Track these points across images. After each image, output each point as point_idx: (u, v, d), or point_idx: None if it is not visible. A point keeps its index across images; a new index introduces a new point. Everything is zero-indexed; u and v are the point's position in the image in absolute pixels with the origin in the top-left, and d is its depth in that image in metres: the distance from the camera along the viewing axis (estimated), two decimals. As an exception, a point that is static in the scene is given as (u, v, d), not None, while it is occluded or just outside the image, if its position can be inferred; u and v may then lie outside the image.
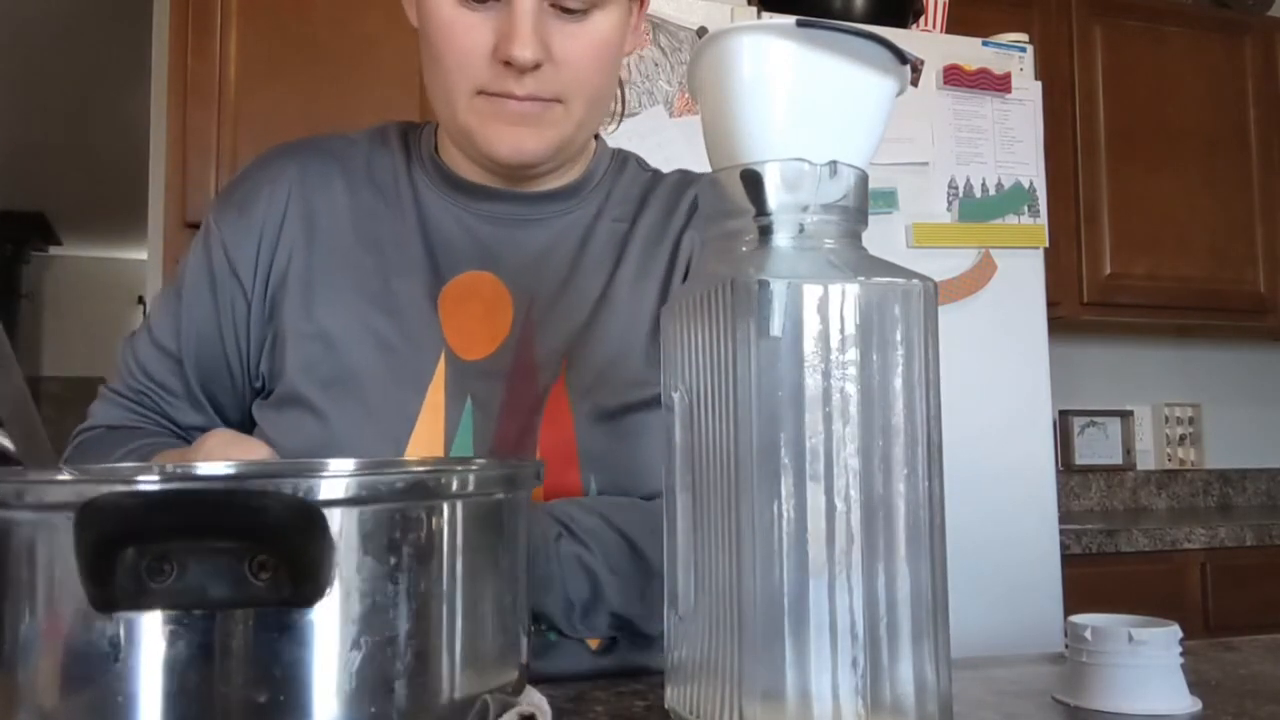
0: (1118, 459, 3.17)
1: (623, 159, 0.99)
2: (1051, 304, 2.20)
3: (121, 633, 0.38)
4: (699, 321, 0.57)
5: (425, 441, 0.83)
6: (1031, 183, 2.14)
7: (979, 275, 2.08)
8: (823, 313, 0.53)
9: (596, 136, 0.97)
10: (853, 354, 0.53)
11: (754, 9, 2.10)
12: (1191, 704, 0.70)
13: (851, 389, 0.53)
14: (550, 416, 0.85)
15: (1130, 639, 0.69)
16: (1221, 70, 2.99)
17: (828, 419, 0.53)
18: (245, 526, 0.36)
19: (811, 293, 0.53)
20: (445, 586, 0.43)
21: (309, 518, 0.37)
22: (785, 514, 0.52)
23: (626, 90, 1.95)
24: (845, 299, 0.53)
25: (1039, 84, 2.19)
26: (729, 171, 0.58)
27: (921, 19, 2.27)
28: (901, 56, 0.59)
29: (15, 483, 0.41)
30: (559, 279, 0.90)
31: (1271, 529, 2.55)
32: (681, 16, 2.01)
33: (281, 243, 0.89)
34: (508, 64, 0.79)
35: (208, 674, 0.38)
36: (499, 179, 0.90)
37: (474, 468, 0.48)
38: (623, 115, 1.12)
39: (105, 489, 0.36)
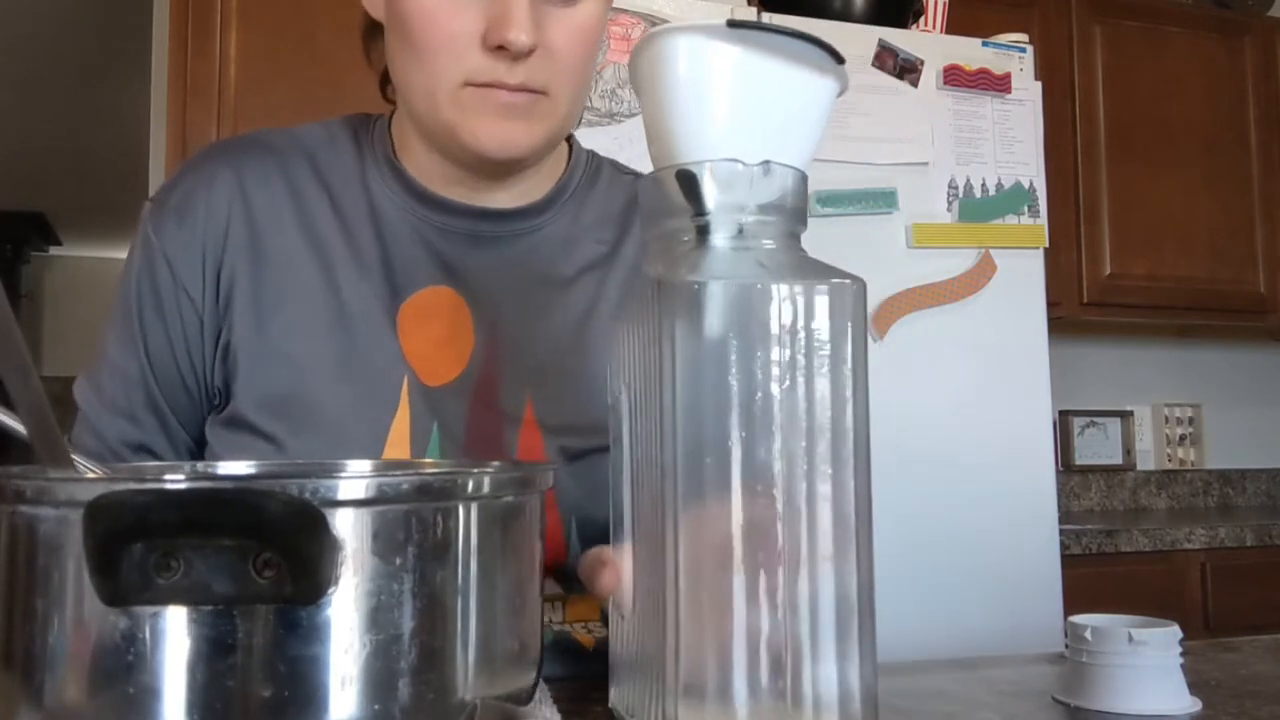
0: (1118, 459, 3.17)
1: (596, 167, 0.93)
2: (1051, 304, 2.20)
3: (131, 627, 0.39)
4: (636, 322, 0.57)
5: None
6: (1031, 183, 2.14)
7: (979, 275, 2.08)
8: (749, 313, 0.53)
9: (570, 141, 0.93)
10: (779, 354, 0.54)
11: (754, 9, 2.10)
12: (1191, 704, 0.70)
13: (777, 389, 0.53)
14: (524, 451, 0.82)
15: (1130, 639, 0.69)
16: (1221, 70, 2.99)
17: (753, 419, 0.53)
18: (248, 524, 0.36)
19: (740, 293, 0.54)
20: (453, 587, 0.44)
21: (309, 517, 0.37)
22: (709, 513, 0.52)
23: (625, 91, 1.95)
24: (773, 299, 0.54)
25: (1039, 84, 2.19)
26: (666, 171, 0.58)
27: (921, 19, 2.27)
28: (837, 56, 0.59)
29: (32, 480, 0.42)
30: (525, 303, 0.85)
31: (1271, 529, 2.55)
32: (681, 17, 2.01)
33: (227, 254, 0.82)
34: (499, 50, 0.74)
35: (215, 669, 0.39)
36: (463, 180, 0.84)
37: (487, 470, 0.49)
38: (581, 116, 1.09)
39: (116, 486, 0.37)
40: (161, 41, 2.32)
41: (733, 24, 0.57)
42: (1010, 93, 2.15)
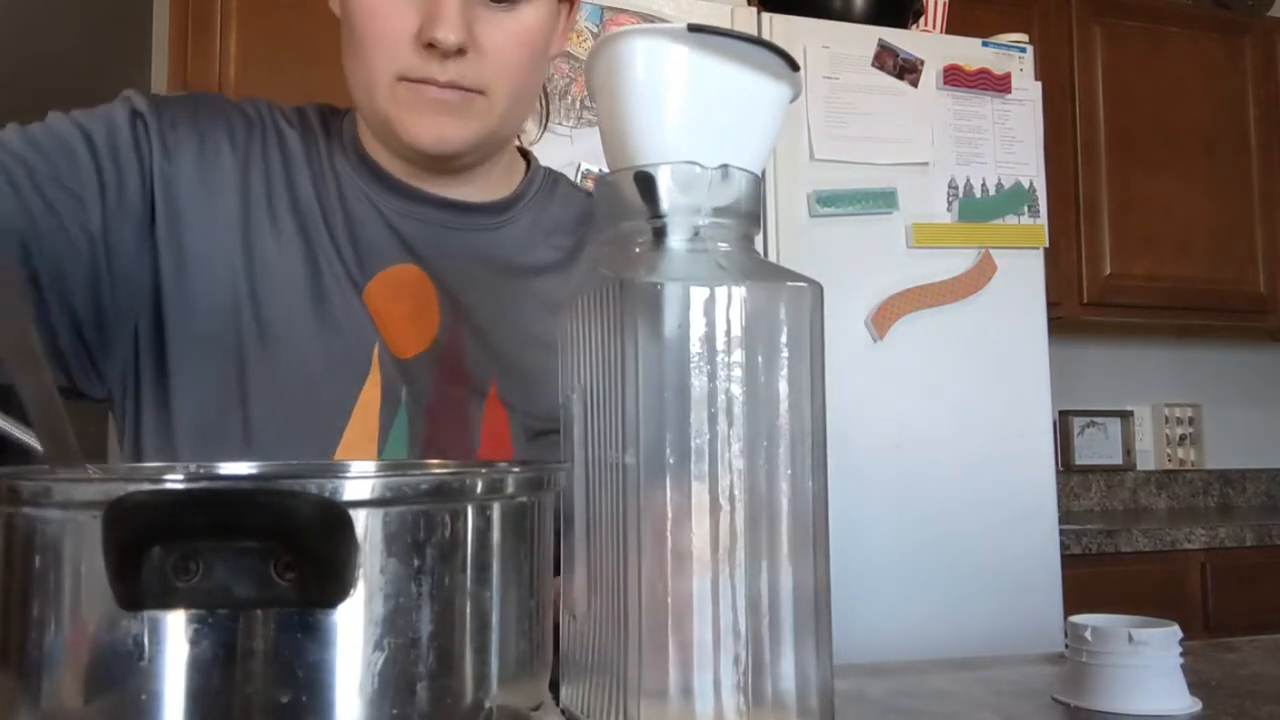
0: (1118, 459, 3.17)
1: (554, 179, 0.97)
2: (1051, 304, 2.21)
3: (146, 632, 0.38)
4: (591, 322, 0.58)
5: (359, 435, 0.81)
6: (1031, 183, 2.14)
7: (979, 275, 2.08)
8: (709, 314, 0.54)
9: (527, 155, 0.96)
10: (738, 355, 0.54)
11: (753, 9, 2.10)
12: (1191, 704, 0.70)
13: (737, 390, 0.54)
14: (489, 426, 0.84)
15: (1130, 639, 0.69)
16: (1221, 70, 2.99)
17: (713, 419, 0.53)
18: (271, 526, 0.36)
19: (698, 295, 0.54)
20: (472, 590, 0.44)
21: (335, 518, 0.37)
22: (669, 513, 0.53)
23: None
24: (731, 301, 0.54)
25: (1039, 84, 2.19)
26: (623, 173, 0.59)
27: (921, 19, 2.27)
28: (793, 63, 0.60)
29: (43, 481, 0.41)
30: (489, 289, 0.87)
31: (1271, 529, 2.55)
32: (681, 17, 2.01)
33: (252, 173, 0.83)
34: (430, 47, 0.77)
35: (231, 674, 0.38)
36: (420, 172, 0.86)
37: (500, 470, 0.49)
38: (546, 124, 1.11)
39: (133, 488, 0.36)
40: (161, 40, 2.32)
41: (694, 28, 0.57)
42: (1010, 93, 2.15)
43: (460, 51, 0.78)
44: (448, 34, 0.76)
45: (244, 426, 0.80)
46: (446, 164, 0.85)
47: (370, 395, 0.81)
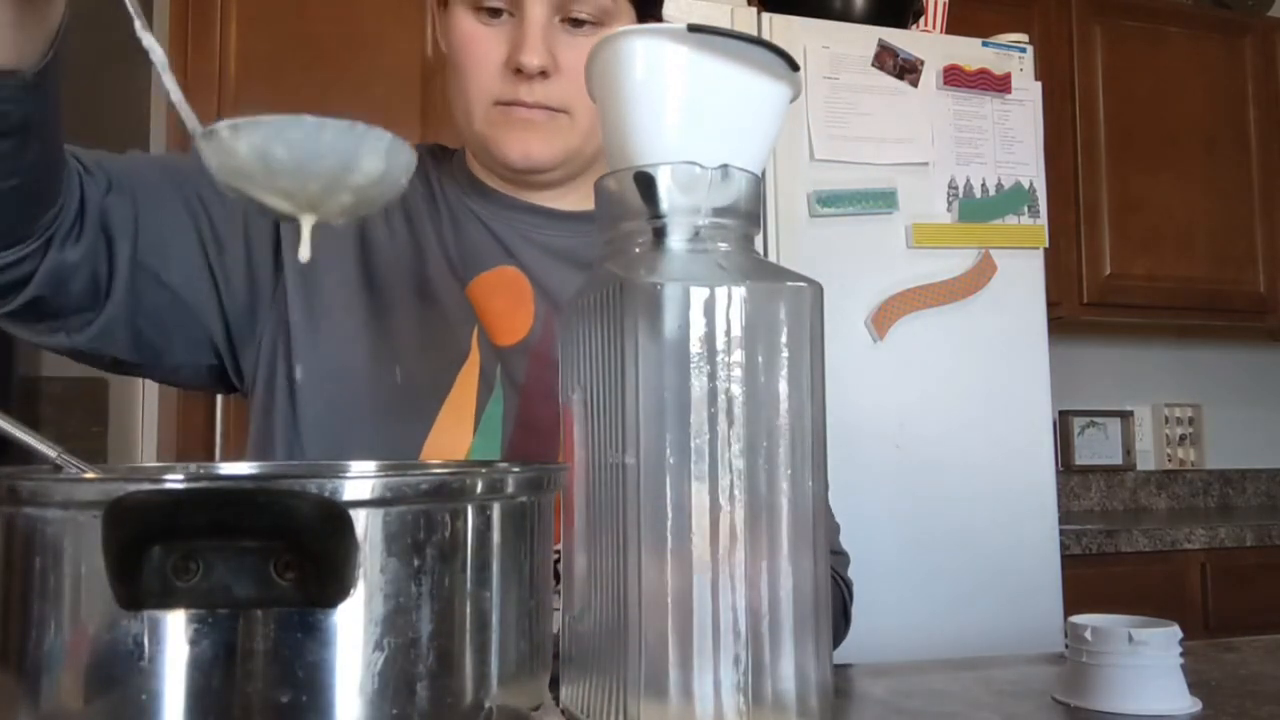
0: (1118, 459, 3.17)
1: None
2: (1051, 304, 2.20)
3: (146, 631, 0.38)
4: (593, 322, 0.58)
5: (455, 410, 0.87)
6: (1031, 183, 2.14)
7: (979, 275, 2.08)
8: (709, 315, 0.54)
9: None
10: (738, 356, 0.54)
11: (753, 10, 2.10)
12: (1191, 704, 0.70)
13: (737, 390, 0.54)
14: None
15: (1130, 639, 0.69)
16: (1221, 70, 2.99)
17: (713, 419, 0.54)
18: (271, 526, 0.36)
19: (699, 295, 0.54)
20: (471, 590, 0.44)
21: (336, 518, 0.37)
22: (670, 513, 0.53)
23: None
24: (731, 301, 0.54)
25: (1039, 84, 2.19)
26: (623, 173, 0.59)
27: (921, 19, 2.27)
28: (793, 63, 0.60)
29: (43, 481, 0.41)
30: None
31: (1271, 529, 2.55)
32: (681, 17, 2.01)
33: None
34: (518, 72, 0.85)
35: (231, 674, 0.38)
36: (517, 187, 0.94)
37: (500, 470, 0.49)
38: None
39: (133, 488, 0.36)
40: (162, 38, 2.32)
41: (694, 28, 0.57)
42: (1010, 93, 2.15)
43: (544, 74, 0.86)
44: (530, 58, 0.85)
45: (343, 393, 0.87)
46: (537, 179, 0.93)
47: (469, 374, 0.89)
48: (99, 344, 0.83)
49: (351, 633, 0.39)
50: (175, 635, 0.38)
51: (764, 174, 1.89)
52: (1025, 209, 2.13)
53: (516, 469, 0.49)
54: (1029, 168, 2.15)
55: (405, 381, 0.87)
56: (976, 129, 2.12)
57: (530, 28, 0.85)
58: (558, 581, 0.62)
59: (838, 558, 1.05)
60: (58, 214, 0.76)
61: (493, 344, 0.90)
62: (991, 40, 2.17)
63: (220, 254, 0.87)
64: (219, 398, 2.07)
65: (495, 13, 0.88)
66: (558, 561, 0.85)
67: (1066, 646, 0.73)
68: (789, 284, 0.56)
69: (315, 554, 0.37)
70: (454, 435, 0.87)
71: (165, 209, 0.85)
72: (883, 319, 2.01)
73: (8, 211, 0.71)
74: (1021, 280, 2.12)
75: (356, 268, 0.90)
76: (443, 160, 1.00)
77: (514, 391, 0.89)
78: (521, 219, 0.95)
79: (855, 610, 1.03)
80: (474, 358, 0.89)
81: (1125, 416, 3.19)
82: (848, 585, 1.03)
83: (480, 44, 0.88)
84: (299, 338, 0.88)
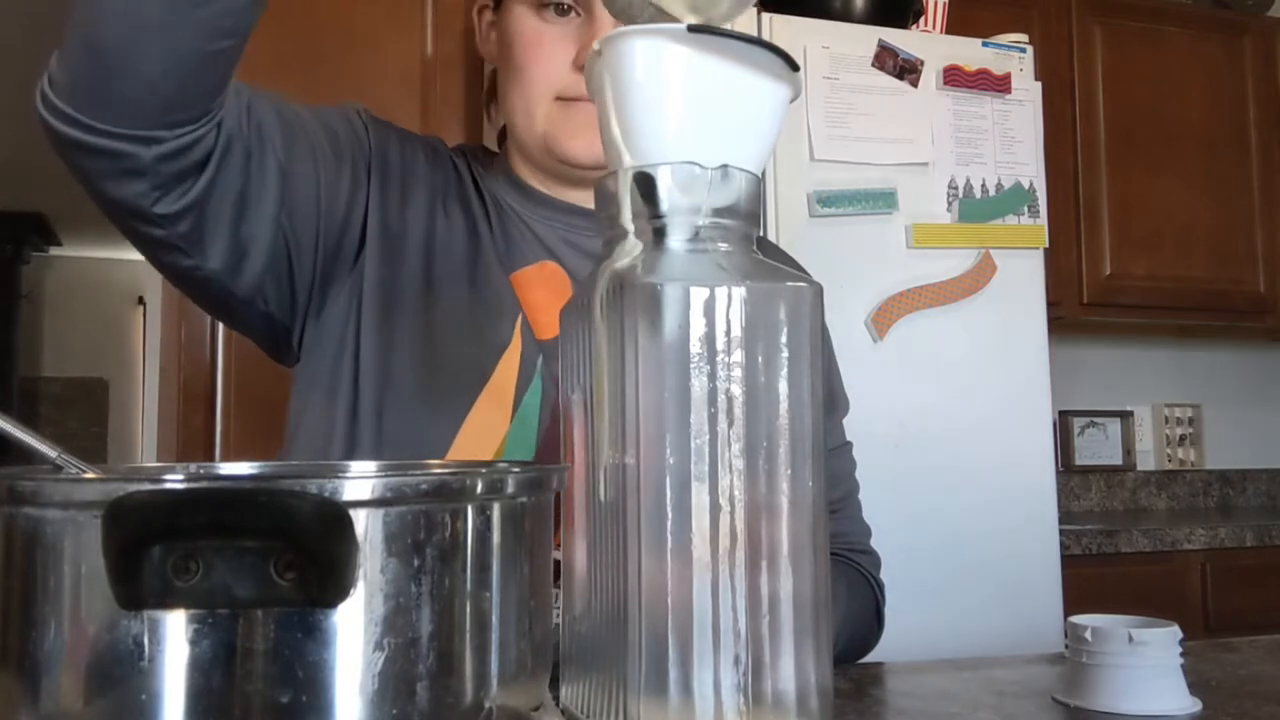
0: (1118, 459, 3.17)
1: None
2: (1051, 304, 2.20)
3: (146, 632, 0.38)
4: (593, 322, 0.58)
5: (494, 396, 0.89)
6: (1031, 183, 2.14)
7: (979, 275, 2.08)
8: (709, 315, 0.54)
9: None
10: (738, 356, 0.54)
11: (753, 10, 2.10)
12: (1191, 704, 0.70)
13: (737, 390, 0.54)
14: None
15: (1130, 639, 0.69)
16: (1221, 70, 2.99)
17: (713, 420, 0.54)
18: (271, 526, 0.36)
19: (698, 295, 0.54)
20: (472, 590, 0.44)
21: (336, 518, 0.37)
22: (670, 513, 0.53)
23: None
24: (731, 302, 0.54)
25: (1039, 84, 2.19)
26: (623, 173, 0.58)
27: (921, 19, 2.27)
28: (792, 63, 0.59)
29: (43, 481, 0.41)
30: None
31: (1271, 529, 2.55)
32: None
33: (435, 174, 0.96)
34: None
35: (231, 674, 0.38)
36: (565, 188, 0.96)
37: (500, 471, 0.49)
38: None
39: (133, 488, 0.36)
40: (162, 41, 2.32)
41: (694, 29, 0.57)
42: (1010, 93, 2.15)
43: None
44: None
45: (396, 372, 0.89)
46: (594, 175, 0.94)
47: (510, 361, 0.91)
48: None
49: (351, 633, 0.39)
50: (175, 635, 0.38)
51: (764, 174, 1.89)
52: (1025, 209, 2.13)
53: (516, 469, 0.49)
54: (1029, 168, 2.15)
55: (449, 363, 0.89)
56: (976, 129, 2.12)
57: (602, 26, 0.87)
58: (558, 581, 0.62)
59: (868, 557, 1.05)
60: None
61: (534, 336, 0.92)
62: (991, 40, 2.17)
63: (330, 211, 0.89)
64: (219, 398, 2.07)
65: (563, 10, 0.90)
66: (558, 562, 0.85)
67: (1066, 647, 0.73)
68: (789, 284, 0.56)
69: (315, 554, 0.37)
70: (492, 419, 0.89)
71: (299, 142, 0.89)
72: (883, 319, 2.01)
73: (217, 72, 0.73)
74: (1021, 280, 2.12)
75: (421, 257, 0.92)
76: (483, 159, 1.02)
77: (551, 385, 0.90)
78: (561, 219, 0.97)
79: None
80: (515, 346, 0.91)
81: (1125, 417, 3.19)
82: (879, 586, 1.02)
83: (546, 42, 0.90)
84: (369, 316, 0.90)
